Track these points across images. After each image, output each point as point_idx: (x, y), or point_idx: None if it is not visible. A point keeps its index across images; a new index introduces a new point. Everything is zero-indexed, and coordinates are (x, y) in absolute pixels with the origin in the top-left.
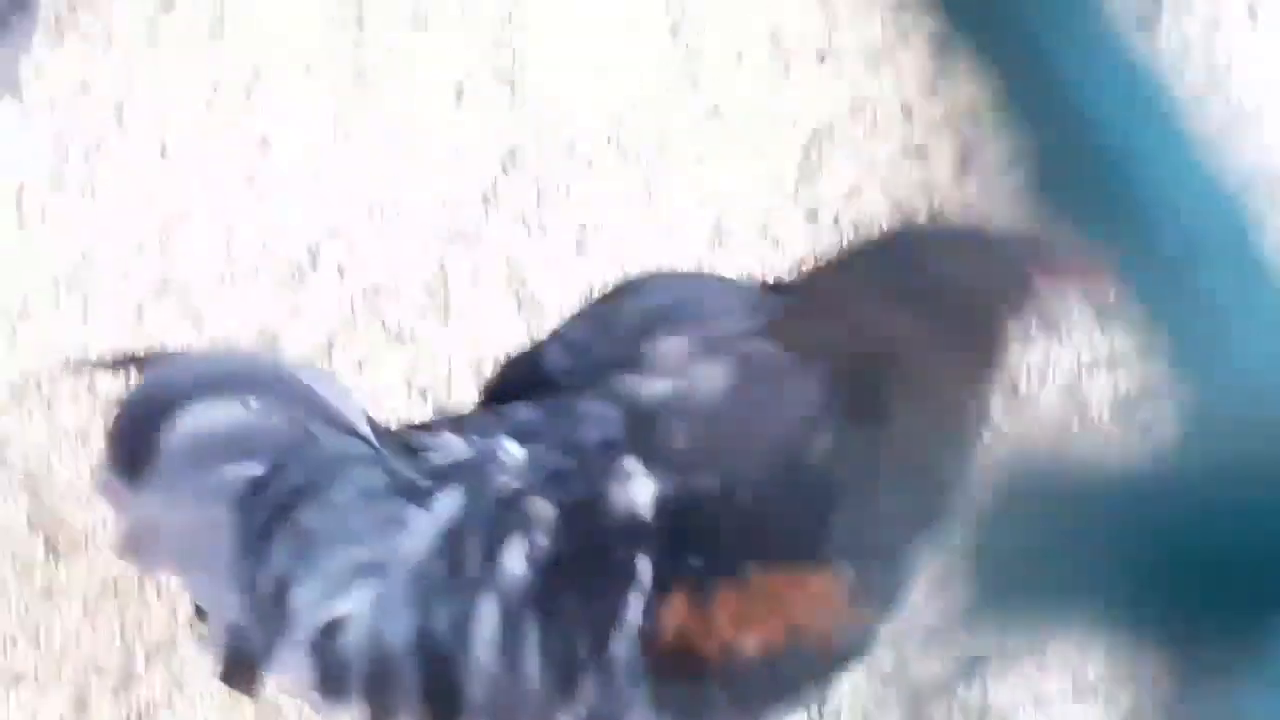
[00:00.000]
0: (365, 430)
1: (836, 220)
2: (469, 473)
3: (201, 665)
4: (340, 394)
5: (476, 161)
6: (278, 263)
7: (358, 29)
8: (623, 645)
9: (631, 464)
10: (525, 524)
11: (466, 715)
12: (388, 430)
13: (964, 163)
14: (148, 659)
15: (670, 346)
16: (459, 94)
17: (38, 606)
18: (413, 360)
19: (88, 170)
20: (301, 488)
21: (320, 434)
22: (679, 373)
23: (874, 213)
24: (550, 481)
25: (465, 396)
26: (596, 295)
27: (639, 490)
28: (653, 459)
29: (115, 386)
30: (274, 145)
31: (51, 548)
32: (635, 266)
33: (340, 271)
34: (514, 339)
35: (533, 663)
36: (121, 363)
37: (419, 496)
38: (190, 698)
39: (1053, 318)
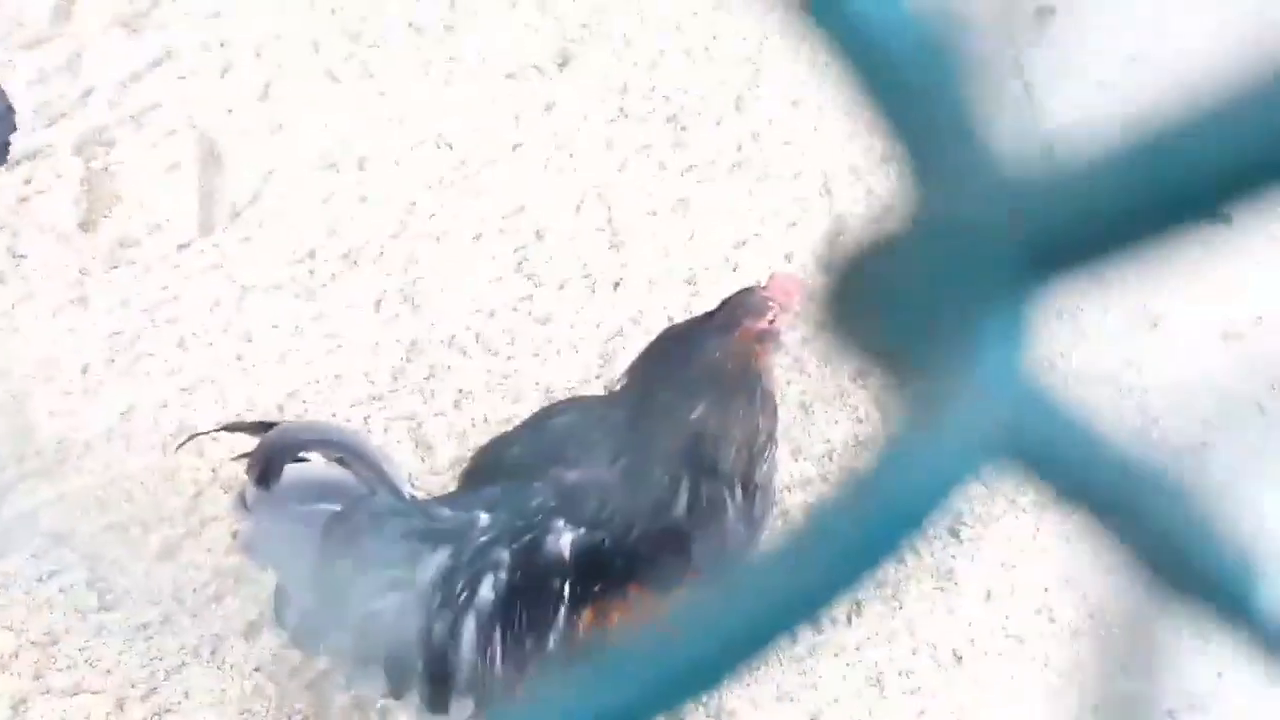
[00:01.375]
0: (406, 491)
1: None
2: (455, 535)
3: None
4: (391, 463)
5: (389, 352)
6: (256, 416)
7: (310, 259)
8: (554, 641)
9: (559, 523)
10: (493, 566)
11: (456, 693)
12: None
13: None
14: (167, 675)
15: (577, 447)
16: (377, 307)
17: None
18: None
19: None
20: (364, 524)
21: (379, 489)
22: (585, 464)
23: None
24: (506, 535)
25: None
26: (533, 413)
27: (564, 540)
28: (572, 518)
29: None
30: (256, 341)
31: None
32: (496, 419)
33: (298, 419)
34: (415, 469)
35: (499, 656)
36: (256, 427)
37: (434, 541)
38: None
39: (780, 341)
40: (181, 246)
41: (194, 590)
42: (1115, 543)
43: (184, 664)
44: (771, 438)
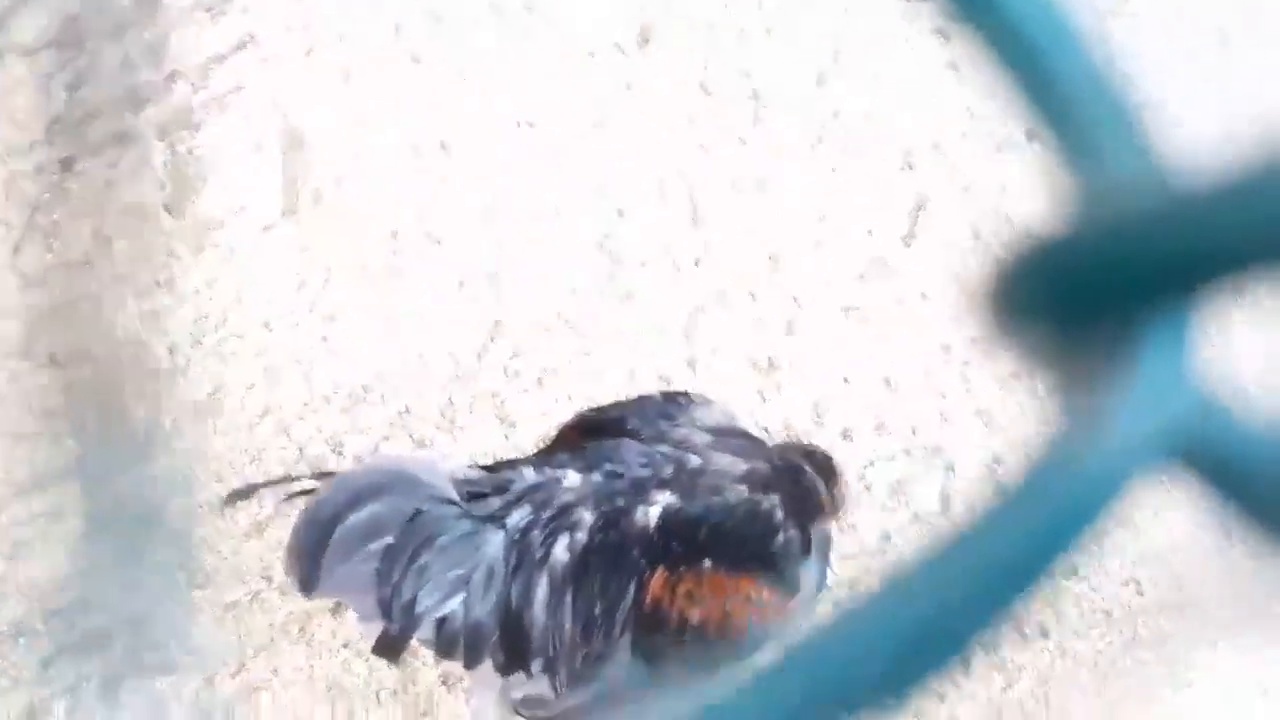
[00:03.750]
0: (453, 495)
1: None
2: (537, 492)
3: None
4: (435, 473)
5: (473, 331)
6: (341, 396)
7: (393, 239)
8: (623, 610)
9: (660, 495)
10: (570, 526)
11: (530, 655)
12: (481, 474)
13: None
14: (255, 652)
15: (702, 437)
16: (461, 286)
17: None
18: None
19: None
20: (419, 544)
21: (426, 507)
22: (705, 452)
23: None
24: (594, 497)
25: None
26: (651, 395)
27: (654, 511)
28: (677, 491)
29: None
30: (340, 321)
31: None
32: (580, 397)
33: (383, 399)
34: (498, 448)
35: (568, 619)
36: (304, 481)
37: (495, 522)
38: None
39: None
40: (266, 228)
41: (281, 568)
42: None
43: (272, 641)
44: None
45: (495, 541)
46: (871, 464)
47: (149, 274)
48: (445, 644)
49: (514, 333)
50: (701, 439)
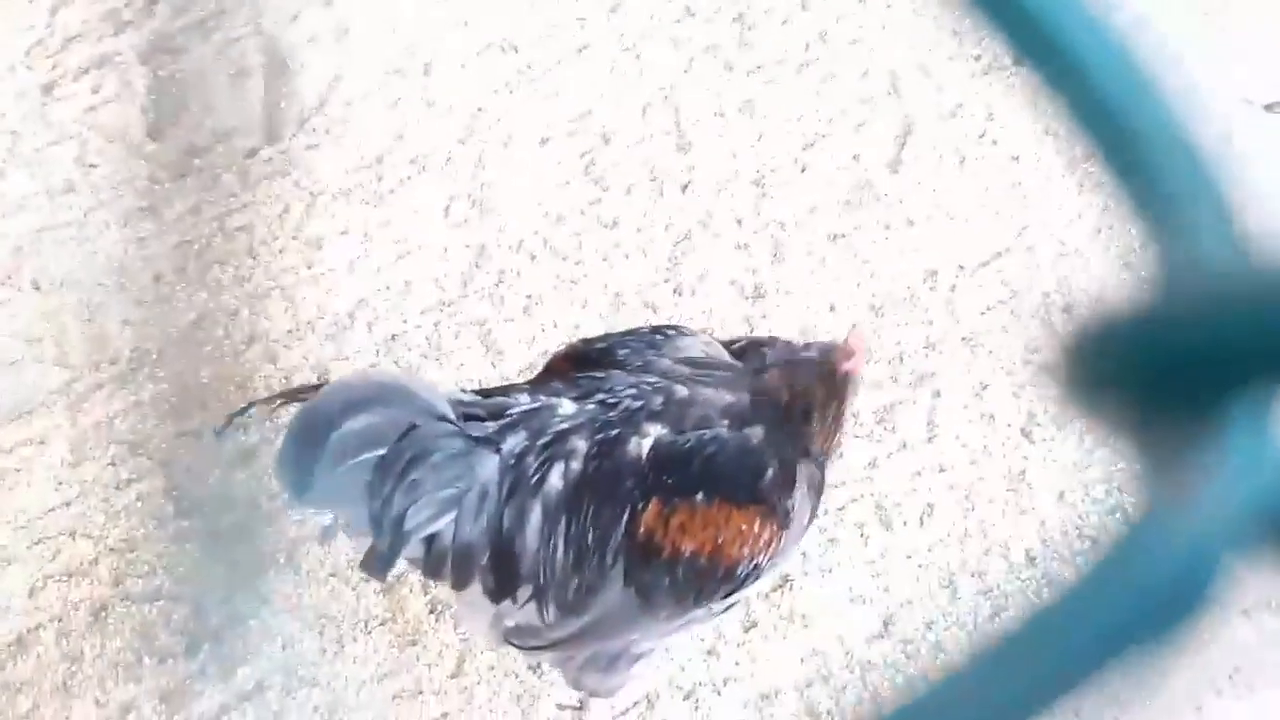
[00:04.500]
0: (449, 413)
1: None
2: (532, 418)
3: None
4: (433, 392)
5: (458, 258)
6: (326, 322)
7: (377, 165)
8: (615, 538)
9: (652, 427)
10: (566, 454)
11: (519, 581)
12: (476, 397)
13: None
14: (244, 581)
15: (686, 369)
16: (446, 212)
17: None
18: None
19: None
20: (411, 459)
21: (420, 422)
22: (690, 384)
23: None
24: (589, 426)
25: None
26: (639, 328)
27: (646, 443)
28: (667, 423)
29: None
30: (325, 248)
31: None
32: (565, 325)
33: (369, 327)
34: (483, 375)
35: (560, 547)
36: (301, 392)
37: (489, 444)
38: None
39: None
40: (249, 154)
41: (269, 497)
42: None
43: (261, 570)
44: (838, 443)
45: (489, 464)
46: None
47: (133, 200)
48: (433, 563)
49: (499, 259)
50: (686, 370)
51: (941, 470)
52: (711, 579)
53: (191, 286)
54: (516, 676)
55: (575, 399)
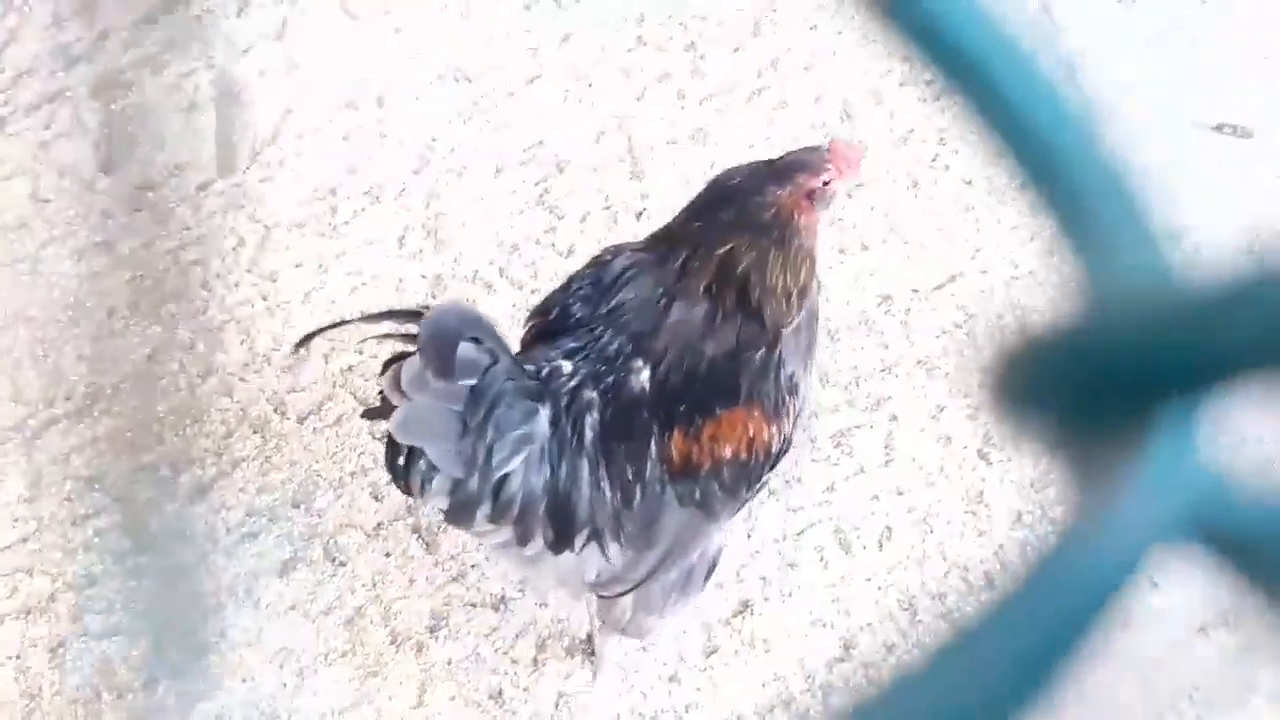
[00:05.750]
0: (510, 357)
1: None
2: (551, 382)
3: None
4: (499, 328)
5: (414, 289)
6: (283, 355)
7: (331, 196)
8: (651, 467)
9: (637, 363)
10: (586, 407)
11: (577, 528)
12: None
13: None
14: (203, 616)
15: (639, 296)
16: (401, 243)
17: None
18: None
19: None
20: (496, 394)
21: (500, 357)
22: (650, 309)
23: None
24: (590, 379)
25: None
26: (584, 269)
27: (643, 376)
28: (648, 358)
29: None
30: (280, 280)
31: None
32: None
33: (325, 359)
34: None
35: (608, 489)
36: (408, 314)
37: (538, 399)
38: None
39: (829, 202)
40: (202, 187)
41: (227, 531)
42: None
43: (220, 604)
44: (805, 293)
45: (543, 419)
46: (815, 415)
47: (86, 236)
48: (501, 509)
49: (455, 289)
50: (634, 295)
51: (899, 493)
52: (755, 467)
53: (145, 321)
54: (479, 706)
55: (566, 358)
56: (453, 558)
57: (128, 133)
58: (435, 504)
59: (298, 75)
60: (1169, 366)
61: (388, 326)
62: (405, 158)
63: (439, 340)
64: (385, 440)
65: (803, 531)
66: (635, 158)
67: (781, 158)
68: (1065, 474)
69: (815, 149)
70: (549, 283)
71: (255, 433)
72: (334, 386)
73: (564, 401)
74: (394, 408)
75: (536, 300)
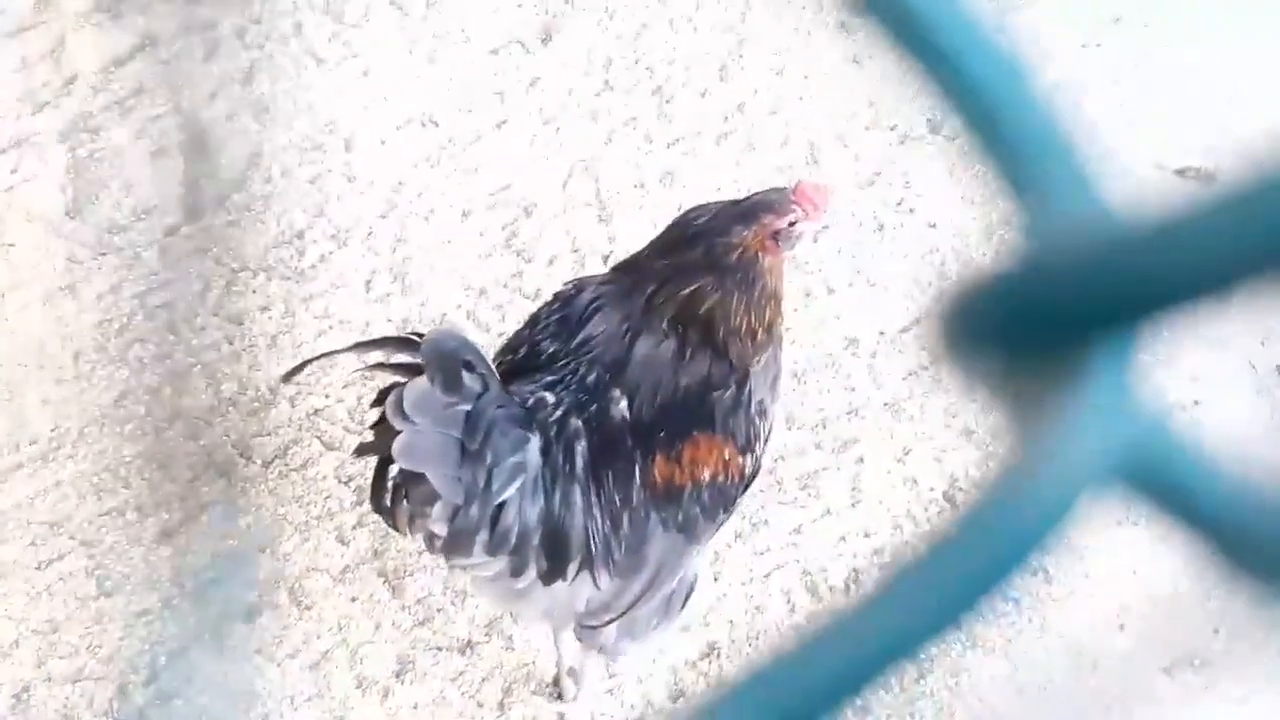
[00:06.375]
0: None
1: None
2: (539, 412)
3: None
4: (486, 359)
5: (381, 330)
6: (249, 399)
7: (299, 240)
8: (636, 493)
9: (615, 392)
10: (574, 436)
11: (571, 556)
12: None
13: None
14: (168, 660)
15: (607, 329)
16: (368, 286)
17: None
18: (339, 459)
19: None
20: (490, 420)
21: (490, 385)
22: (617, 342)
23: None
24: (573, 408)
25: None
26: (549, 301)
27: (622, 404)
28: (623, 387)
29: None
30: (246, 324)
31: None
32: None
33: (292, 402)
34: None
35: (599, 517)
36: (402, 341)
37: (529, 427)
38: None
39: (795, 242)
40: (169, 232)
41: (193, 574)
42: (1220, 562)
43: (185, 648)
44: (771, 331)
45: (534, 447)
46: (781, 458)
47: (52, 279)
48: (499, 538)
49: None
50: (603, 328)
51: (866, 535)
52: (731, 489)
53: (112, 365)
54: None
55: (547, 390)
56: (419, 602)
57: (95, 177)
58: (434, 530)
59: (265, 119)
60: (1103, 302)
61: (379, 355)
62: (373, 201)
63: (443, 358)
64: (373, 474)
65: (770, 574)
66: (603, 201)
67: (748, 198)
68: (1005, 417)
69: (781, 190)
70: (516, 325)
71: (221, 477)
72: (300, 430)
73: (552, 431)
74: (387, 442)
75: (504, 343)
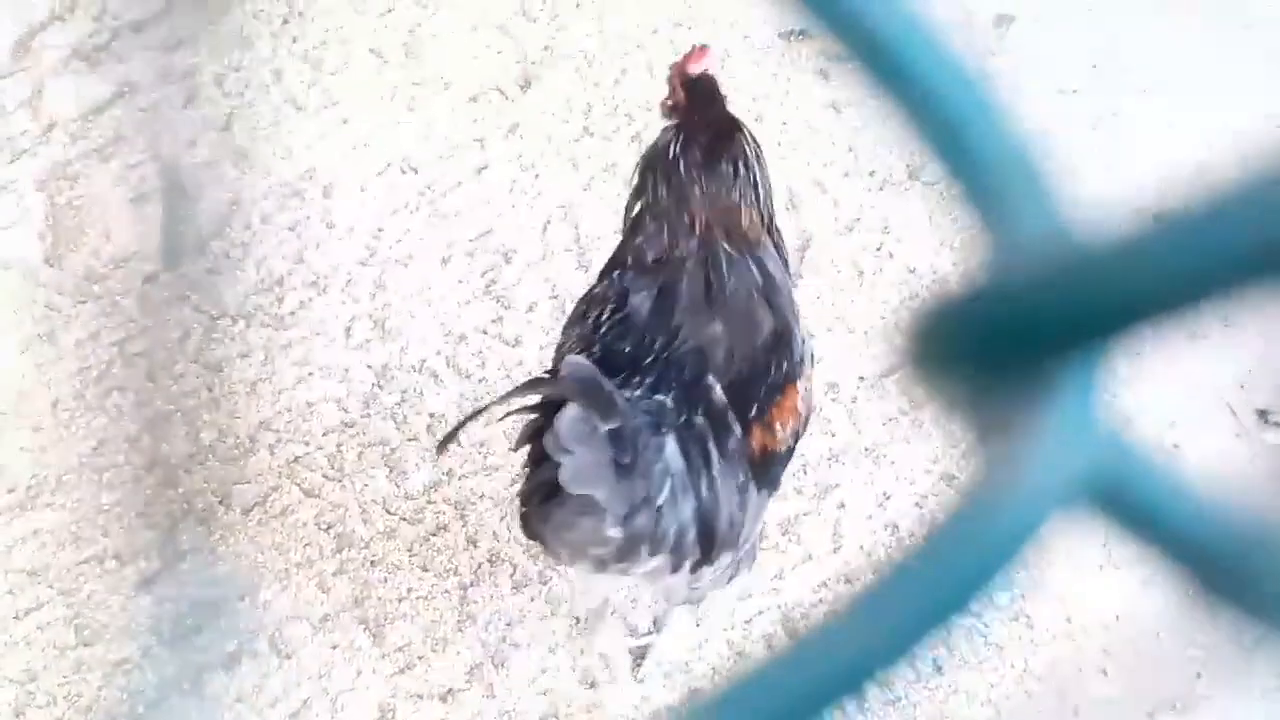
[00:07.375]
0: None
1: None
2: (664, 420)
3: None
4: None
5: (361, 379)
6: (228, 446)
7: (278, 287)
8: (745, 470)
9: (710, 380)
10: (704, 432)
11: (717, 545)
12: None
13: None
14: (147, 709)
15: (675, 319)
16: (348, 333)
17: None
18: (319, 507)
19: None
20: (632, 431)
21: (618, 400)
22: (697, 333)
23: None
24: (687, 405)
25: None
26: (585, 309)
27: (719, 390)
28: (715, 373)
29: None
30: (225, 370)
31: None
32: (468, 444)
33: (271, 450)
34: (387, 495)
35: (736, 497)
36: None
37: (659, 432)
38: None
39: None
40: (148, 279)
41: (172, 623)
42: (1196, 588)
43: (165, 698)
44: (766, 186)
45: (673, 450)
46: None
47: (30, 327)
48: (659, 539)
49: (401, 379)
50: (671, 320)
51: (847, 581)
52: (800, 429)
53: (91, 412)
54: None
55: (654, 391)
56: (399, 649)
57: (73, 224)
58: (610, 537)
59: (244, 166)
60: (1068, 323)
61: (518, 401)
62: (352, 248)
63: (589, 388)
64: (520, 511)
65: (751, 619)
66: (582, 247)
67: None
68: (970, 434)
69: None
70: (496, 372)
71: (200, 524)
72: (280, 478)
73: (684, 431)
74: (548, 476)
75: (484, 390)
